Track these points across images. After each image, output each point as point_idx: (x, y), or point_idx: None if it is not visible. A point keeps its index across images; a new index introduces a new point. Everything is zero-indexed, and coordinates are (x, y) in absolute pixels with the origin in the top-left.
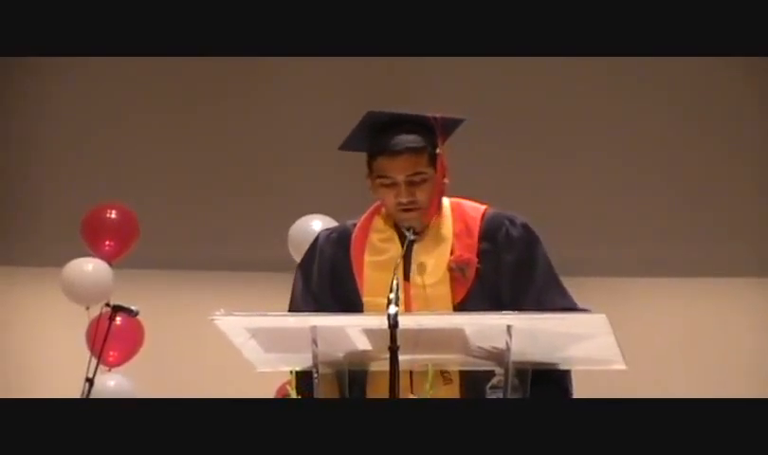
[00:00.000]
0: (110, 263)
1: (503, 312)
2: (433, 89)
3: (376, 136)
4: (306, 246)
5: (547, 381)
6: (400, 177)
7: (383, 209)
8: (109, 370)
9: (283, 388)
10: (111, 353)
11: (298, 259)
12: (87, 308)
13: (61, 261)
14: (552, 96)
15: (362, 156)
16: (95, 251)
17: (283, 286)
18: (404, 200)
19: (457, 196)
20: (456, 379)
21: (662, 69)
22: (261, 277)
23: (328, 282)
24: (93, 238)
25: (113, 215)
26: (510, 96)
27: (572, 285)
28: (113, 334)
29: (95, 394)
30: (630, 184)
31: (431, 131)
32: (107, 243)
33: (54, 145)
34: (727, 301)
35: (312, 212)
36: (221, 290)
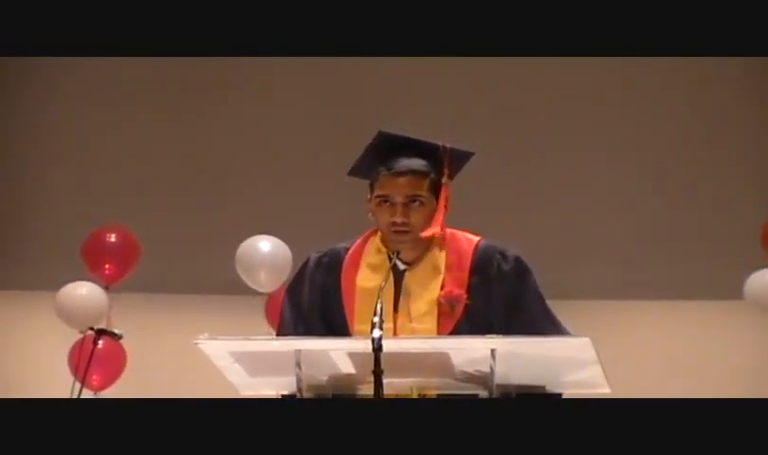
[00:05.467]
0: (108, 287)
1: (488, 336)
2: (398, 95)
3: (383, 157)
4: (252, 266)
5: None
6: (398, 198)
7: (377, 236)
8: (95, 394)
9: None
10: (94, 376)
11: (246, 279)
12: (82, 332)
13: (58, 284)
14: (538, 110)
15: (313, 177)
16: (94, 274)
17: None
18: (398, 220)
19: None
20: None
21: (655, 75)
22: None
23: (318, 310)
24: (93, 261)
25: (113, 239)
26: (491, 109)
27: (558, 308)
28: (96, 357)
29: None
30: (619, 205)
31: (439, 159)
32: (107, 266)
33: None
34: (716, 324)
35: (258, 233)
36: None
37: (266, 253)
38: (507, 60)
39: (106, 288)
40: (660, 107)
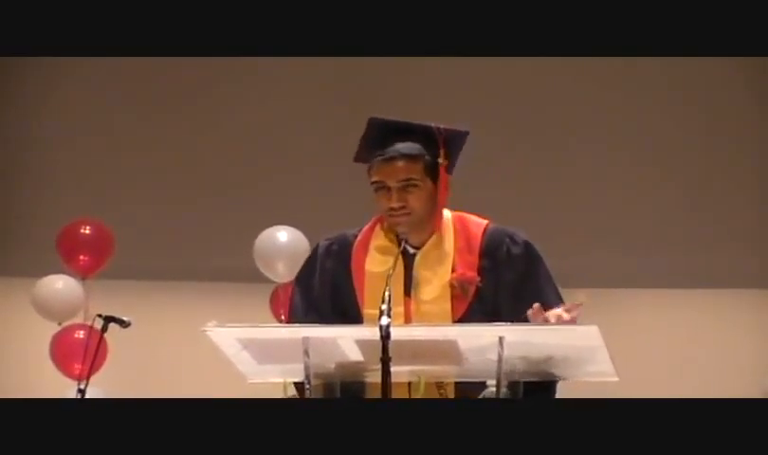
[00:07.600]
0: (84, 278)
1: (496, 324)
2: (412, 92)
3: (378, 143)
4: (270, 257)
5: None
6: (392, 183)
7: (385, 221)
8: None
9: None
10: (76, 365)
11: (264, 270)
12: (59, 324)
13: (36, 273)
14: (547, 99)
15: (330, 168)
16: (69, 266)
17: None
18: (395, 205)
19: (457, 208)
20: (451, 391)
21: (662, 72)
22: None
23: (329, 295)
24: (68, 253)
25: (87, 231)
26: (501, 99)
27: (568, 296)
28: (78, 347)
29: None
30: (629, 193)
31: (435, 141)
32: (81, 258)
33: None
34: (726, 312)
35: (278, 224)
36: (198, 301)
37: (284, 244)
38: (507, 60)
39: (83, 280)
40: (674, 94)
